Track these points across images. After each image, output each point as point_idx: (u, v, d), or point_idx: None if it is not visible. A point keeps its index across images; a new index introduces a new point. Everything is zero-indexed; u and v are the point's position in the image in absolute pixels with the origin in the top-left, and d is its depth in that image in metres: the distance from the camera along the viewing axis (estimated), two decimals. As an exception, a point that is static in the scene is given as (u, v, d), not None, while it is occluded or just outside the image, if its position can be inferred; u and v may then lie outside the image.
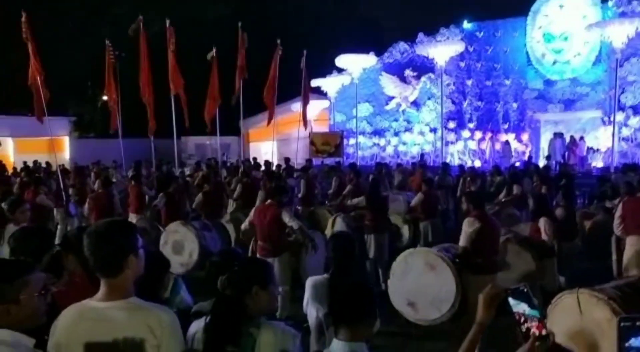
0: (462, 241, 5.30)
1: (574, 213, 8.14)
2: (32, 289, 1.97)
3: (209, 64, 14.94)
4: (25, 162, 16.91)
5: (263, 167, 14.26)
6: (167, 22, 13.11)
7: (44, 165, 16.04)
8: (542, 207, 6.62)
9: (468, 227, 5.26)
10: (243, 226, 6.95)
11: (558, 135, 19.34)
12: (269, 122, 15.94)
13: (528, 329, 1.73)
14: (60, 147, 24.30)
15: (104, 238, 2.10)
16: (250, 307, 2.34)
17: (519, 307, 1.76)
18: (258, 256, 6.25)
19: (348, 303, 2.46)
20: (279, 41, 15.28)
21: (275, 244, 6.25)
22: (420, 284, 5.31)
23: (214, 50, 14.53)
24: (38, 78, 10.35)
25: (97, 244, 2.09)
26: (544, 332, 1.72)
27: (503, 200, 9.49)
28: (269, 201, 6.48)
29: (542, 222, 6.29)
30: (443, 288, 5.16)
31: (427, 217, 8.83)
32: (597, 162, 19.16)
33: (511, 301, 1.77)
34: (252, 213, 6.62)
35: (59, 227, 10.54)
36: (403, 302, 5.38)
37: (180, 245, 7.65)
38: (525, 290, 1.78)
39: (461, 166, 15.66)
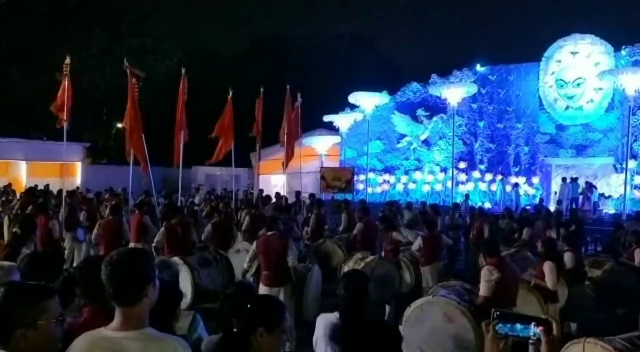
0: (483, 291, 5.15)
1: (580, 258, 8.10)
2: (51, 315, 1.93)
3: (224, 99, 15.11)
4: (36, 185, 17.01)
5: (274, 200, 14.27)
6: (183, 71, 13.17)
7: (55, 189, 16.11)
8: (549, 251, 6.57)
9: (488, 276, 5.12)
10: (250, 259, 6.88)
11: (571, 180, 19.30)
12: (286, 164, 15.98)
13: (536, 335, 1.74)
14: (72, 172, 24.53)
15: (125, 267, 2.09)
16: (255, 348, 2.29)
17: (514, 330, 1.78)
18: (262, 285, 6.34)
19: (373, 344, 2.37)
20: (287, 88, 15.44)
21: (281, 274, 6.32)
22: (436, 334, 5.12)
23: (230, 93, 14.62)
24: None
25: (118, 273, 2.07)
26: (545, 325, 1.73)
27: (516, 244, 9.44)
28: (271, 232, 6.54)
29: (547, 266, 6.23)
30: (461, 340, 5.00)
31: (429, 261, 8.37)
32: (609, 209, 19.01)
33: (501, 327, 1.79)
34: (254, 245, 6.62)
35: (66, 252, 10.50)
36: (415, 350, 5.18)
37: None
38: (499, 313, 1.81)
39: (472, 207, 15.60)
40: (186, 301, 7.34)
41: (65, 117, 10.61)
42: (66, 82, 10.47)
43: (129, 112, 11.40)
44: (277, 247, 6.36)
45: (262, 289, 6.21)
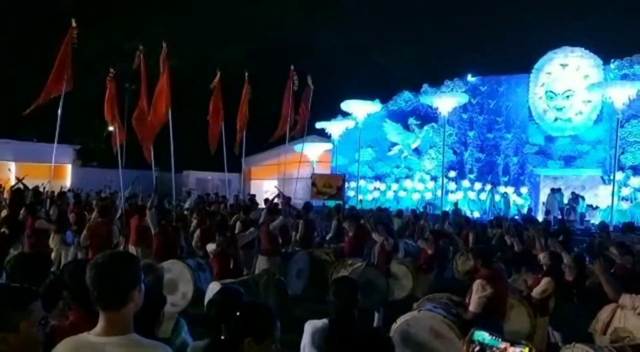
0: (473, 306, 4.94)
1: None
2: (34, 319, 1.90)
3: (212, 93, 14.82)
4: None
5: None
6: (164, 44, 12.87)
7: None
8: (555, 267, 6.34)
9: (480, 292, 4.92)
10: None
11: (555, 191, 19.48)
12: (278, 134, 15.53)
13: None
14: (62, 174, 24.36)
15: (110, 270, 2.05)
16: None
17: (479, 336, 1.95)
18: None
19: None
20: (292, 67, 14.99)
21: None
22: (423, 350, 4.93)
23: (218, 75, 14.31)
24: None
25: (102, 276, 2.04)
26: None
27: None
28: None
29: (546, 282, 6.09)
30: None
31: (431, 269, 8.78)
32: (596, 220, 19.14)
33: (477, 334, 1.96)
34: None
35: (53, 254, 10.40)
36: None
37: (173, 284, 7.43)
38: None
39: (466, 218, 15.63)
40: (184, 302, 7.35)
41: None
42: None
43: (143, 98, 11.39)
44: None
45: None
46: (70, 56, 10.49)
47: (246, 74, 14.63)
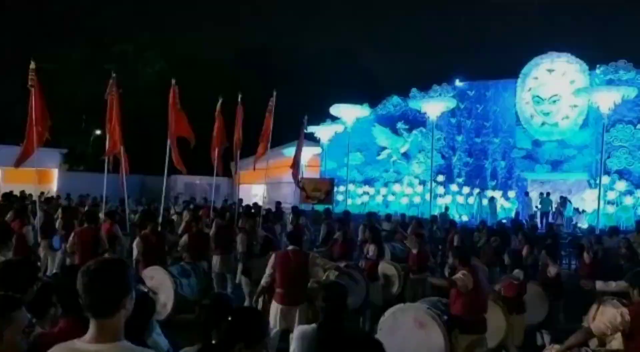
0: (456, 285, 5.30)
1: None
2: (17, 327, 1.89)
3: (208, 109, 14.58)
4: (11, 192, 16.66)
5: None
6: (173, 81, 12.69)
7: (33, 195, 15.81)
8: (515, 263, 6.70)
9: (461, 275, 5.28)
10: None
11: (527, 195, 20.27)
12: (254, 167, 15.50)
13: None
14: (48, 178, 24.10)
15: (102, 277, 2.03)
16: None
17: None
18: (279, 304, 5.98)
19: None
20: (274, 94, 14.72)
21: (299, 292, 5.97)
22: (409, 341, 5.14)
23: (220, 102, 14.05)
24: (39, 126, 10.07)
25: (94, 283, 2.01)
26: None
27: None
28: (292, 247, 6.32)
29: (511, 277, 6.37)
30: (433, 348, 5.04)
31: (422, 269, 8.74)
32: (583, 224, 19.35)
33: None
34: (272, 261, 6.16)
35: (40, 260, 10.31)
36: None
37: (154, 292, 7.39)
38: None
39: (452, 221, 15.72)
40: (165, 310, 7.27)
41: (45, 131, 10.32)
42: (35, 92, 9.79)
43: (115, 123, 11.30)
44: (298, 263, 6.09)
45: (274, 308, 5.97)
46: (42, 101, 9.83)
47: (239, 97, 14.23)
